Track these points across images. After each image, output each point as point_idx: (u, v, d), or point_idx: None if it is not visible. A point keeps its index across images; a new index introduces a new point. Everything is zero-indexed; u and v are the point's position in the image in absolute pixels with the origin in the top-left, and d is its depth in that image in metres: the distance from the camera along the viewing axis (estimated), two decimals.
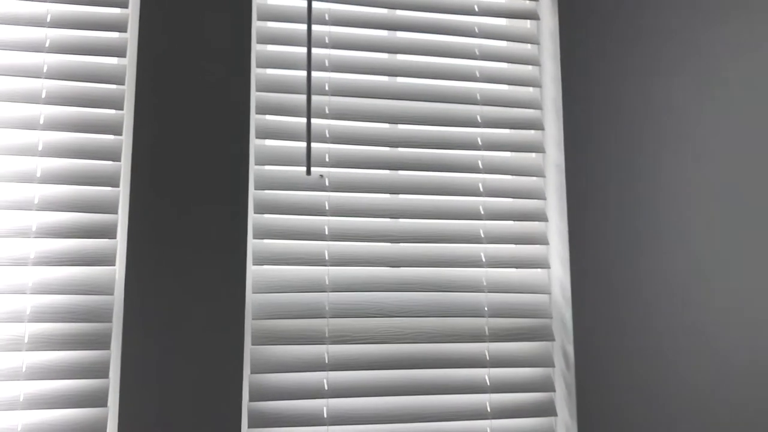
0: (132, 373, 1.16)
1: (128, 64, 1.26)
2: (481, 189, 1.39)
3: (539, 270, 1.42)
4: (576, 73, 1.44)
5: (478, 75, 1.43)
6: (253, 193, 1.28)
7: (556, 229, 1.42)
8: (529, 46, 1.49)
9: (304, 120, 1.32)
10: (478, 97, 1.42)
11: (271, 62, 1.33)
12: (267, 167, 1.31)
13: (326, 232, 1.29)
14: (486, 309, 1.34)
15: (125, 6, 1.26)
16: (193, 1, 1.27)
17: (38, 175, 1.18)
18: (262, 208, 1.28)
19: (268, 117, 1.32)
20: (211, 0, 1.28)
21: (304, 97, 1.32)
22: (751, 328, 1.43)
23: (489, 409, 1.31)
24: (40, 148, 1.19)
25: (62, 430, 1.12)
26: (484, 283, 1.36)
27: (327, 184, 1.31)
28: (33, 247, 1.17)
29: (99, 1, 1.25)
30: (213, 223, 1.23)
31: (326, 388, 1.24)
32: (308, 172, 1.28)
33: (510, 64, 1.48)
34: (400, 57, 1.42)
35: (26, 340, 1.13)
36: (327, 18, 1.36)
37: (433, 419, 1.28)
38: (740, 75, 1.53)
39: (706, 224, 1.46)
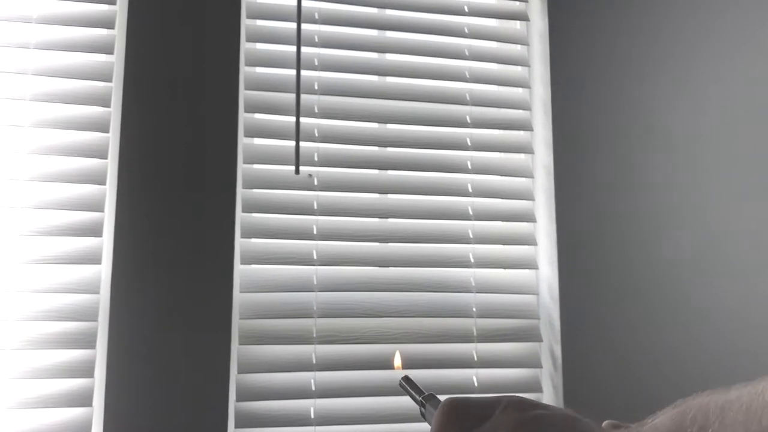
0: (117, 372, 1.15)
1: (116, 61, 1.25)
2: (470, 189, 1.39)
3: (527, 270, 1.42)
4: (565, 74, 1.45)
5: (467, 75, 1.43)
6: (241, 191, 1.27)
7: (544, 229, 1.42)
8: (518, 47, 1.49)
9: (293, 119, 1.31)
10: (468, 98, 1.42)
11: (261, 60, 1.32)
12: (255, 166, 1.30)
13: (315, 232, 1.29)
14: (474, 309, 1.35)
15: (113, 3, 1.25)
16: None
17: (25, 173, 1.17)
18: (251, 207, 1.27)
19: (257, 115, 1.32)
20: None
21: (293, 95, 1.31)
22: (743, 328, 1.44)
23: None
24: (26, 146, 1.18)
25: (47, 430, 1.11)
26: (473, 284, 1.36)
27: (315, 183, 1.31)
28: (20, 246, 1.15)
29: None
30: (200, 221, 1.22)
31: (314, 388, 1.24)
32: (297, 171, 1.28)
33: (499, 65, 1.48)
34: (390, 57, 1.42)
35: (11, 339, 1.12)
36: (317, 17, 1.36)
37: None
38: (733, 74, 1.54)
39: (695, 225, 1.46)
